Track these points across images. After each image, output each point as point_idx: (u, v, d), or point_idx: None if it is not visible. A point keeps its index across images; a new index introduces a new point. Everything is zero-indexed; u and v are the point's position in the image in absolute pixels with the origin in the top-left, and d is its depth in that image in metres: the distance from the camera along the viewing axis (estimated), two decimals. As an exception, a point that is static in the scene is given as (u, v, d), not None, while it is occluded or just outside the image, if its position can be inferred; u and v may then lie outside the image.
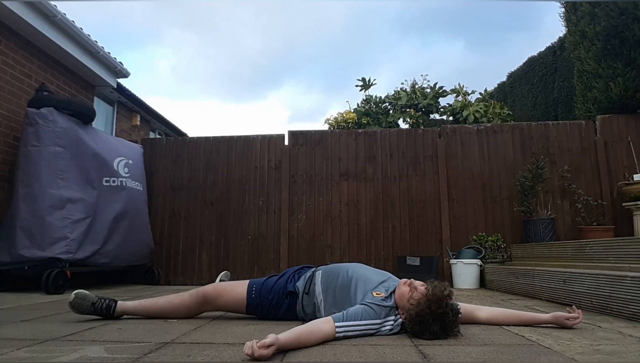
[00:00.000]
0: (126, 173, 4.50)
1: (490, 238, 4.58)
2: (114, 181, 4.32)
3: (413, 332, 1.77)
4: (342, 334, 1.68)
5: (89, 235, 3.93)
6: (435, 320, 1.70)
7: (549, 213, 4.57)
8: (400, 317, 1.84)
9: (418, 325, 1.73)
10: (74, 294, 2.11)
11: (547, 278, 3.02)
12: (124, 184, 4.43)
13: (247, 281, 2.21)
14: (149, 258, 4.82)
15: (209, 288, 2.19)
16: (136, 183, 4.65)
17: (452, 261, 4.46)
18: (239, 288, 2.18)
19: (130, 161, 4.63)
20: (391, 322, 1.82)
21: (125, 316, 2.24)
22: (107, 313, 2.16)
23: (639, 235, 4.11)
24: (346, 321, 1.71)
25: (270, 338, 1.41)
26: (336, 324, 1.69)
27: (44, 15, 4.37)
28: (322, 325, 1.68)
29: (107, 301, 2.17)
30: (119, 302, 2.20)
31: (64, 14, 4.56)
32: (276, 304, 2.14)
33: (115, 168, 4.38)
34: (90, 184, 4.08)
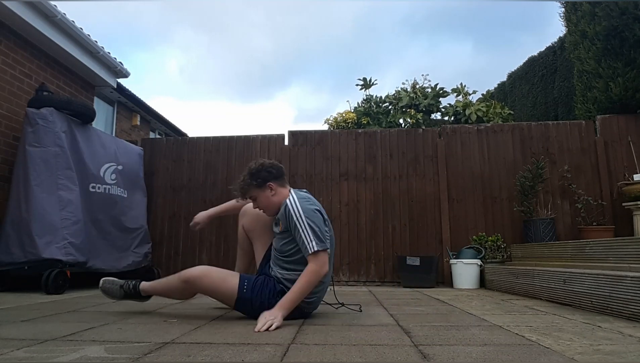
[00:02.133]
0: (112, 180, 4.41)
1: (490, 238, 4.58)
2: (99, 188, 4.24)
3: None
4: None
5: (84, 239, 3.92)
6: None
7: (549, 213, 4.57)
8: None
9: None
10: (102, 280, 2.31)
11: (547, 278, 3.02)
12: (108, 191, 4.35)
13: (238, 273, 2.22)
14: (146, 261, 4.79)
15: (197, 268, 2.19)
16: (121, 189, 4.54)
17: (452, 261, 4.46)
18: (231, 277, 2.16)
19: (120, 167, 4.54)
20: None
21: (125, 317, 2.24)
22: (135, 292, 2.29)
23: (639, 235, 4.11)
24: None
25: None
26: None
27: (44, 15, 4.37)
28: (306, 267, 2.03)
29: (132, 282, 2.32)
30: (141, 282, 2.33)
31: (64, 14, 4.56)
32: (268, 303, 2.07)
33: (102, 174, 4.30)
34: (84, 188, 4.06)
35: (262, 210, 2.23)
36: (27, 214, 3.69)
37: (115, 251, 4.35)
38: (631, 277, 2.17)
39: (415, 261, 4.44)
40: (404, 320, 2.18)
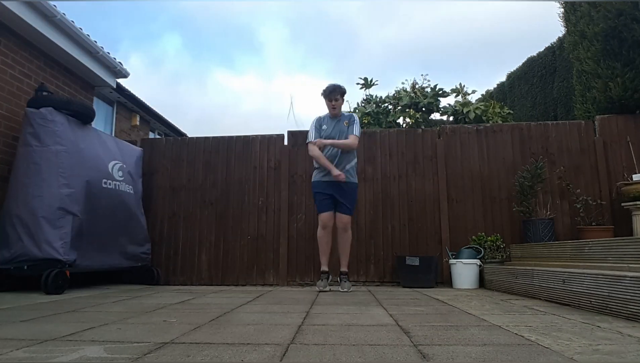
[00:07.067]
0: (120, 177, 4.48)
1: (489, 238, 4.58)
2: (110, 184, 4.32)
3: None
4: None
5: (86, 237, 3.93)
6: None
7: (548, 213, 4.57)
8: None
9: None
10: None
11: (546, 278, 3.02)
12: (118, 187, 4.42)
13: None
14: (146, 260, 4.80)
15: None
16: (129, 186, 4.62)
17: (452, 261, 4.46)
18: None
19: (124, 165, 4.60)
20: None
21: (125, 317, 2.23)
22: None
23: (638, 235, 4.11)
24: None
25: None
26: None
27: (44, 15, 4.36)
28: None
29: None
30: None
31: (64, 14, 4.56)
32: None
33: (110, 170, 4.38)
34: (89, 185, 4.07)
35: (335, 108, 4.03)
36: (27, 213, 3.69)
37: (119, 247, 4.42)
38: (630, 277, 2.18)
39: (415, 261, 4.44)
40: (404, 320, 2.18)
